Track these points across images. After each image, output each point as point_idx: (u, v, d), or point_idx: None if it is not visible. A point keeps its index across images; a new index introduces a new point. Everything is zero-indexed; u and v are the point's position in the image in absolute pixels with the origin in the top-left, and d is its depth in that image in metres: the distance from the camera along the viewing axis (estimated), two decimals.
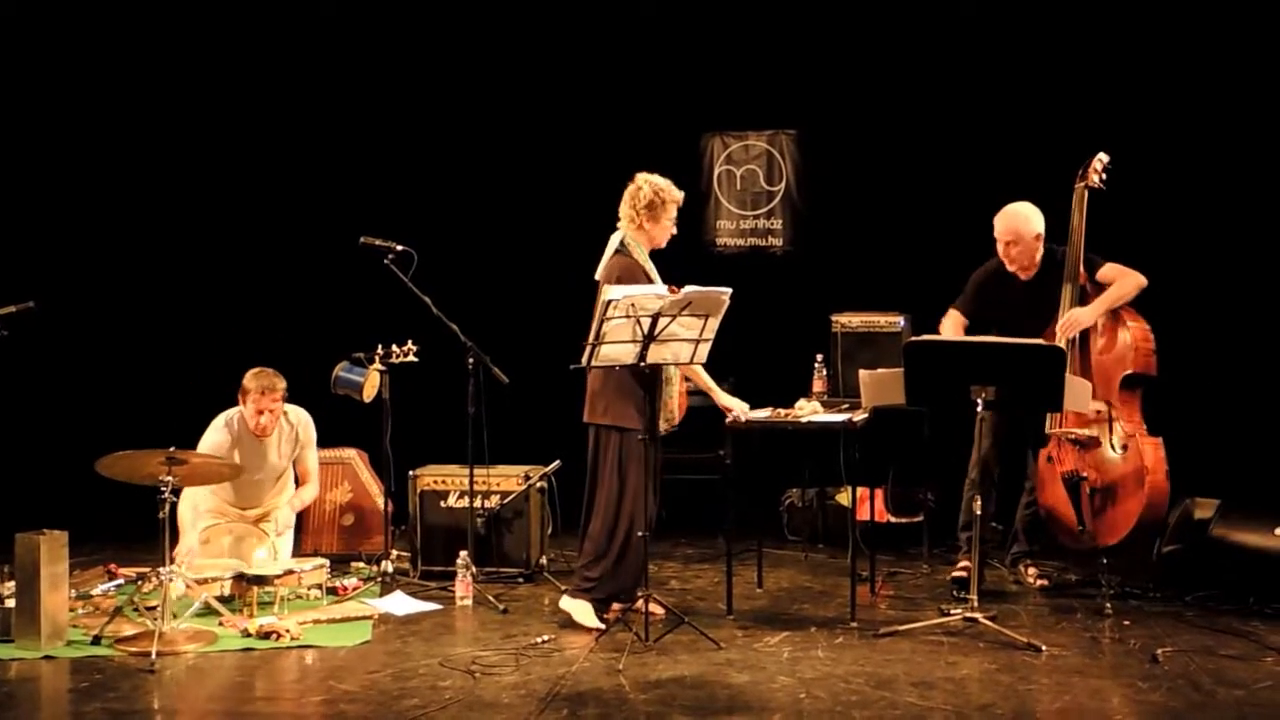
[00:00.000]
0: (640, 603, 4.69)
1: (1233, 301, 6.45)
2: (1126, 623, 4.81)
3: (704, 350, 4.60)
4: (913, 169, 6.87)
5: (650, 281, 4.71)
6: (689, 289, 4.47)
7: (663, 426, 4.80)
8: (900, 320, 6.12)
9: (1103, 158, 5.16)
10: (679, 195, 4.84)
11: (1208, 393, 6.21)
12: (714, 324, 4.56)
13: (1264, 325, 6.40)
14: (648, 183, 4.81)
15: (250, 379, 5.22)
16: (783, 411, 5.08)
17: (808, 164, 7.17)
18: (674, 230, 4.85)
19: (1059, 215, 5.18)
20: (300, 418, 5.38)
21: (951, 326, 5.25)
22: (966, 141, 6.74)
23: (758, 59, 7.07)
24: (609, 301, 4.36)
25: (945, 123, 6.82)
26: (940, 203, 6.71)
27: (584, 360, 4.51)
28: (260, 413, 5.20)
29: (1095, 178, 5.14)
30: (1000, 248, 5.20)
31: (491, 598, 5.15)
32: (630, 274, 4.71)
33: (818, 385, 5.68)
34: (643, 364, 4.52)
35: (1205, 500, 5.40)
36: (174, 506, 4.84)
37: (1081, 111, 6.48)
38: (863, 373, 4.95)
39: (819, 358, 5.77)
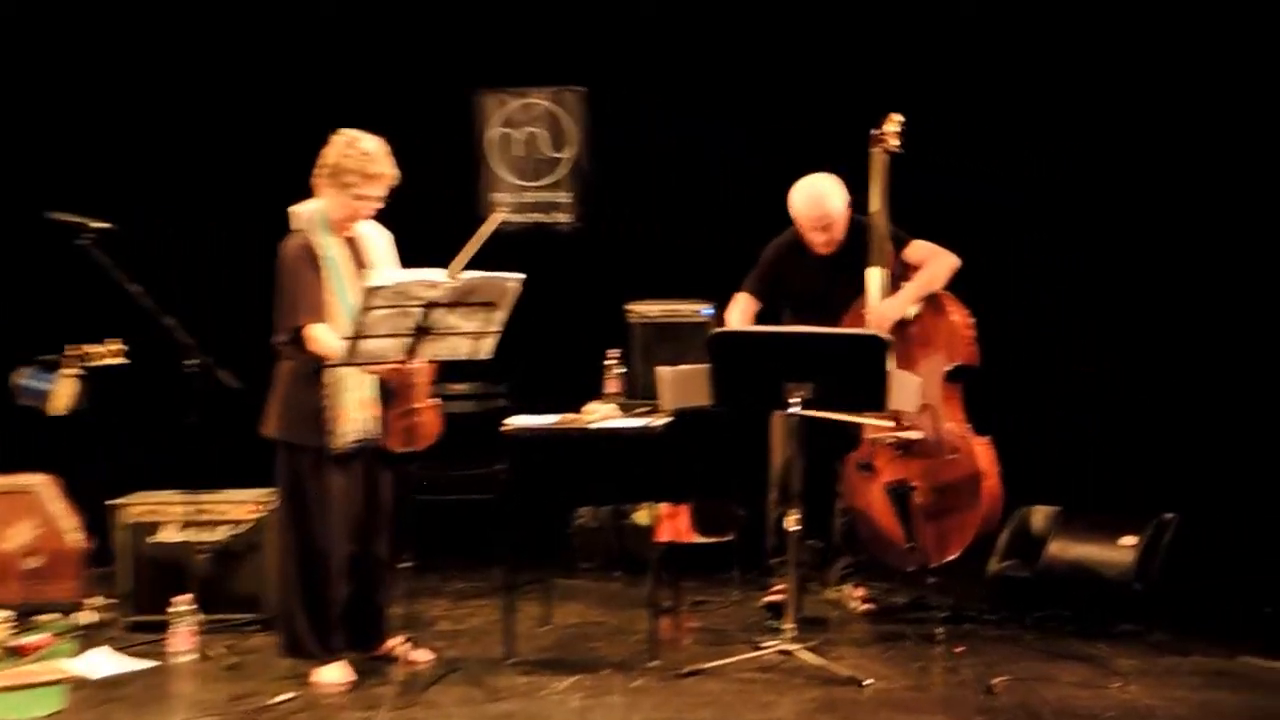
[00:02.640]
0: (400, 648, 4.62)
1: (1048, 275, 6.61)
2: (959, 649, 4.96)
3: (489, 345, 4.59)
4: (721, 135, 6.91)
5: (314, 269, 4.62)
6: (469, 274, 4.44)
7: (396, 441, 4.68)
8: (706, 309, 6.17)
9: (896, 117, 5.34)
10: (377, 170, 4.65)
11: (1032, 384, 6.47)
12: (501, 316, 4.55)
13: (1091, 301, 6.58)
14: (344, 140, 4.69)
15: None
16: (570, 417, 5.09)
17: (600, 127, 7.15)
18: (366, 214, 4.69)
19: (856, 184, 5.33)
20: None
21: (741, 313, 5.35)
22: (780, 103, 6.83)
23: (540, 3, 7.04)
24: (371, 288, 4.31)
25: (756, 80, 6.90)
26: (753, 175, 6.76)
27: (343, 355, 4.44)
28: None
29: (894, 141, 5.31)
30: (811, 236, 5.33)
31: (221, 649, 5.02)
32: (292, 260, 4.63)
33: (611, 385, 5.70)
34: (413, 360, 4.49)
35: (1042, 508, 5.64)
36: None
37: (889, 67, 6.61)
38: (662, 370, 4.98)
39: (613, 353, 5.80)
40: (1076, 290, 6.53)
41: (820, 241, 5.32)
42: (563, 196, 7.23)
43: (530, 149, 7.22)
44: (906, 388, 4.84)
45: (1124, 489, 6.01)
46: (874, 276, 5.27)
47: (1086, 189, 6.52)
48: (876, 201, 5.29)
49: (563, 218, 7.23)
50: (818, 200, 5.30)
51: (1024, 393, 6.32)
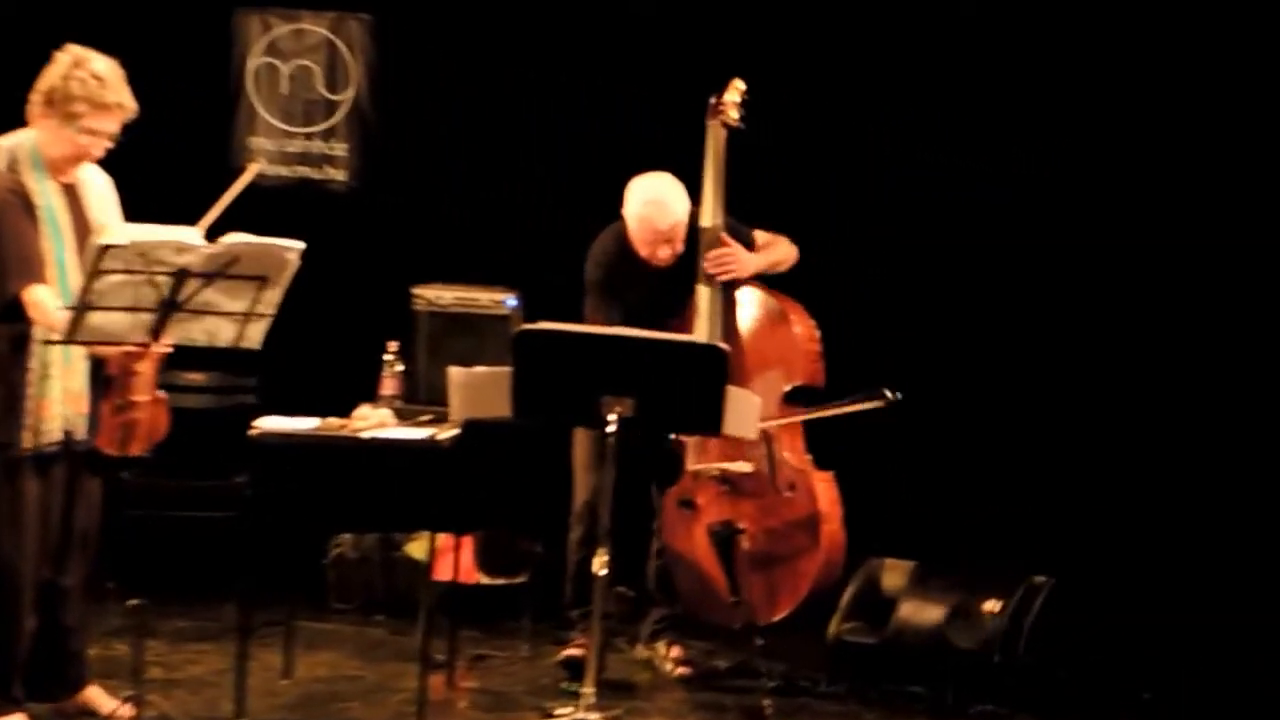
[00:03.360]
0: (99, 700, 4.58)
1: (898, 277, 6.72)
2: None
3: (257, 331, 4.51)
4: (544, 89, 6.91)
5: (29, 218, 4.48)
6: (236, 238, 4.34)
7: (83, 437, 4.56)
8: (510, 299, 6.15)
9: (739, 85, 5.41)
10: (112, 99, 4.53)
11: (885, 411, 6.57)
12: (274, 296, 4.47)
13: (957, 315, 6.66)
14: (70, 60, 4.55)
15: None
16: (334, 422, 5.03)
17: (387, 64, 7.09)
18: (94, 154, 4.59)
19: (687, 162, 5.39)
20: None
21: None
22: (609, 47, 6.83)
23: None
24: (105, 245, 4.18)
25: (578, 16, 6.87)
26: (580, 138, 6.80)
27: (64, 331, 4.30)
28: None
29: (734, 113, 5.38)
30: (654, 250, 5.35)
31: None
32: None
33: (388, 386, 5.62)
34: (158, 344, 4.39)
35: (895, 562, 5.71)
36: None
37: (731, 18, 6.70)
38: (454, 371, 4.94)
39: (392, 346, 5.72)
40: (940, 302, 6.65)
41: (665, 256, 5.36)
42: (338, 148, 7.16)
43: (300, 86, 7.16)
44: (745, 409, 4.85)
45: (991, 543, 6.12)
46: (704, 296, 5.33)
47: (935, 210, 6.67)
48: (710, 190, 5.33)
49: (337, 174, 7.16)
50: (665, 209, 5.33)
51: (875, 421, 6.40)
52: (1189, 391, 6.29)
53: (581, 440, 5.44)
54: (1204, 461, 6.22)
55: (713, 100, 5.39)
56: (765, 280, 5.47)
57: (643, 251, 5.38)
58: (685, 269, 5.37)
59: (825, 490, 5.27)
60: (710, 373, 4.70)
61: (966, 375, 6.51)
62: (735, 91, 5.39)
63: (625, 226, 5.40)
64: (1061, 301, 6.46)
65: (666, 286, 5.39)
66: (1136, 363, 6.35)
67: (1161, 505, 6.22)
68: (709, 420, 4.76)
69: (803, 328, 5.36)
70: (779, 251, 5.45)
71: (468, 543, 5.93)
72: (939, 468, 6.47)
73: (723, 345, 4.91)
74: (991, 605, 5.39)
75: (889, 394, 5.13)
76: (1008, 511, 6.33)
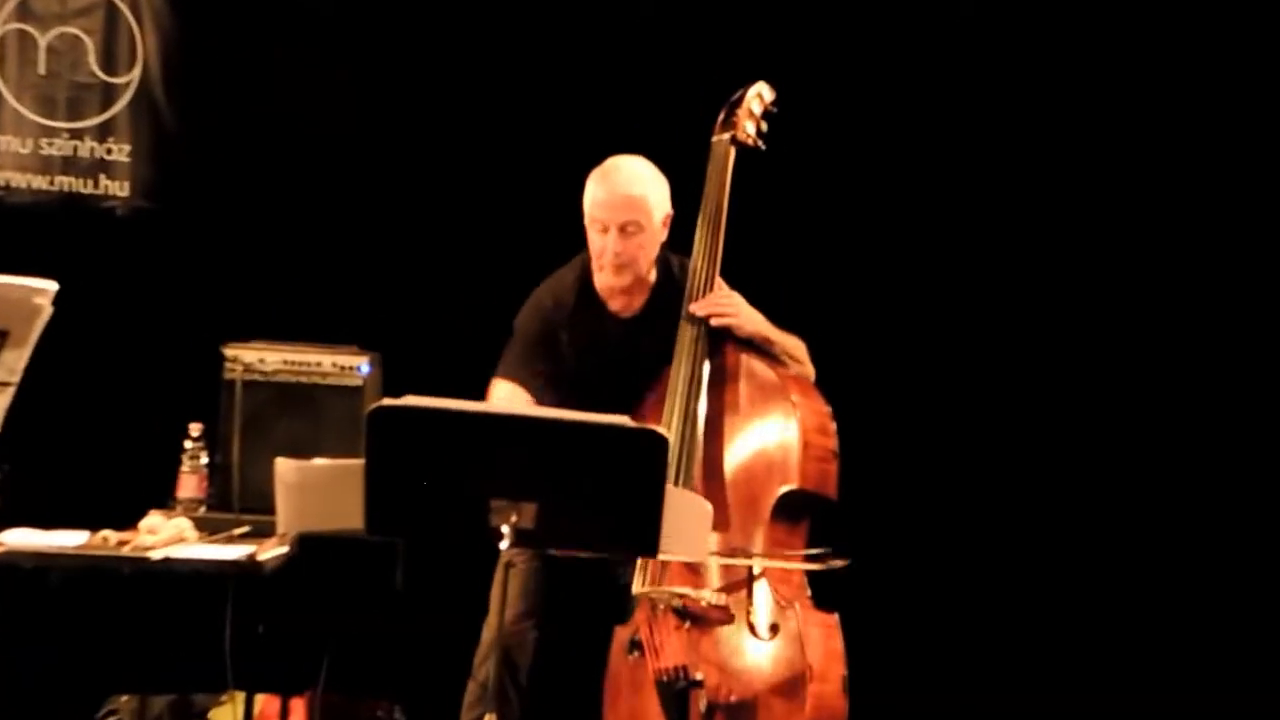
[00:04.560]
0: None
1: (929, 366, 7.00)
2: None
3: None
4: (402, 63, 7.02)
5: None
6: None
7: None
8: (362, 364, 6.12)
9: (763, 94, 5.48)
10: None
11: (904, 530, 6.68)
12: (19, 357, 4.49)
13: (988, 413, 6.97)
14: None
15: None
16: (111, 537, 5.11)
17: (189, 35, 7.14)
18: None
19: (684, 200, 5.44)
20: None
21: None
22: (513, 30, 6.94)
23: None
24: None
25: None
26: (462, 129, 6.91)
27: None
28: None
29: (750, 126, 5.43)
30: (601, 237, 5.40)
31: None
32: None
33: (189, 486, 5.63)
34: None
35: None
36: None
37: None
38: (282, 464, 4.88)
39: (194, 430, 5.71)
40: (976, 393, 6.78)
41: (615, 258, 5.38)
42: (118, 151, 7.18)
43: (65, 64, 7.21)
44: (689, 520, 4.80)
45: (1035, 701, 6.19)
46: (686, 343, 5.34)
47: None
48: (704, 228, 5.37)
49: (117, 189, 7.16)
50: (627, 179, 5.39)
51: (890, 542, 6.47)
52: None
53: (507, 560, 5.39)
54: None
55: (726, 111, 5.44)
56: None
57: (597, 270, 5.42)
58: (659, 323, 5.40)
59: (821, 639, 5.19)
60: (646, 467, 4.67)
61: (1006, 497, 6.66)
62: (758, 100, 5.43)
63: (588, 256, 5.46)
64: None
65: (635, 346, 5.43)
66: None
67: None
68: (640, 536, 4.68)
69: (810, 414, 5.33)
70: (794, 341, 5.46)
71: (298, 706, 5.90)
72: (963, 608, 6.53)
73: (661, 430, 4.90)
74: None
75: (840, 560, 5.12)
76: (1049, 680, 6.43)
